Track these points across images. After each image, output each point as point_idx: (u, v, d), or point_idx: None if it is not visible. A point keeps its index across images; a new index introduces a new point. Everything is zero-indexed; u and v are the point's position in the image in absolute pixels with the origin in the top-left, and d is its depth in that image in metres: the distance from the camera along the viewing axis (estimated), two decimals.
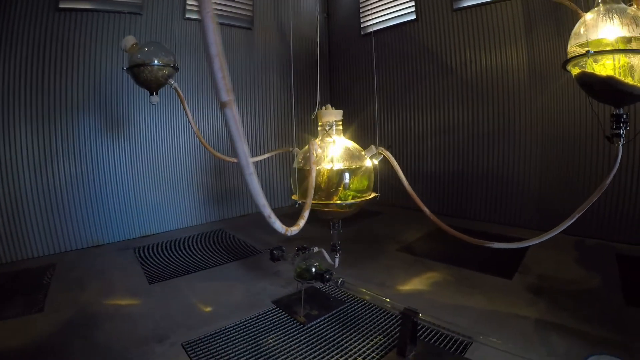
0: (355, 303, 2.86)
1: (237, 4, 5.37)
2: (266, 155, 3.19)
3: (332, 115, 2.74)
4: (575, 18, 2.27)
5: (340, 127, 2.83)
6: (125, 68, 2.73)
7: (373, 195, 2.85)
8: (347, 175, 2.69)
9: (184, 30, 4.87)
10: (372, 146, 2.81)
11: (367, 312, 2.71)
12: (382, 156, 2.88)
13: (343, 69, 6.70)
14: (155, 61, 2.71)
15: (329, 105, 2.78)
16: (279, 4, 5.99)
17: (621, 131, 2.19)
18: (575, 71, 2.12)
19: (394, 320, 2.56)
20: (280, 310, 2.78)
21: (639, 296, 2.69)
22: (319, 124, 2.82)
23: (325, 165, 2.69)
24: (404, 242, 4.13)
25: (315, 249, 3.05)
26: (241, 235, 4.53)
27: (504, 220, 4.68)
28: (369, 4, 6.11)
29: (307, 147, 2.93)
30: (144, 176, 4.58)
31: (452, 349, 2.18)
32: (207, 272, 3.46)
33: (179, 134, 4.89)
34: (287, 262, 3.05)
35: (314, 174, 2.42)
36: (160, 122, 4.73)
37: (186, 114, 2.96)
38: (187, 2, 4.86)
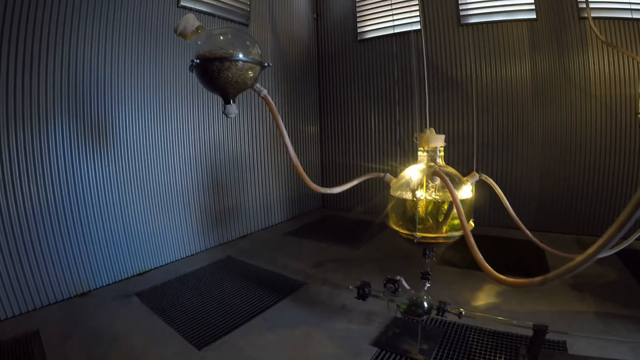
0: (451, 327, 2.62)
1: None
2: (355, 182, 2.60)
3: (439, 141, 2.40)
4: None
5: (442, 153, 2.51)
6: (194, 62, 1.80)
7: (472, 223, 2.61)
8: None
9: (179, 18, 3.96)
10: (475, 173, 2.57)
11: (471, 334, 2.51)
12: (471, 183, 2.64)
13: (335, 74, 6.29)
14: (241, 55, 1.85)
15: (432, 129, 2.42)
16: (275, 0, 5.36)
17: None
18: None
19: (502, 338, 2.46)
20: (389, 353, 2.35)
21: None
22: (420, 148, 2.45)
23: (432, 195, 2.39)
24: (435, 255, 3.93)
25: (397, 277, 2.69)
26: (259, 263, 3.80)
27: (507, 224, 4.84)
28: (367, 9, 5.82)
29: (403, 173, 2.54)
30: (133, 199, 3.54)
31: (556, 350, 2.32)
32: (261, 320, 2.71)
33: (172, 145, 3.92)
34: (381, 298, 2.58)
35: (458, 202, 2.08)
36: (150, 130, 3.72)
37: (280, 134, 2.08)
38: None
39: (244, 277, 3.46)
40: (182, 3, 4.02)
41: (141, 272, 3.55)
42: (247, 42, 1.96)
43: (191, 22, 1.89)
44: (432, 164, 2.44)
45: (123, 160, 3.52)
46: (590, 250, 1.22)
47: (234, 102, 1.98)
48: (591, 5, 4.38)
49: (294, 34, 5.79)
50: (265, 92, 2.03)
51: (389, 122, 5.79)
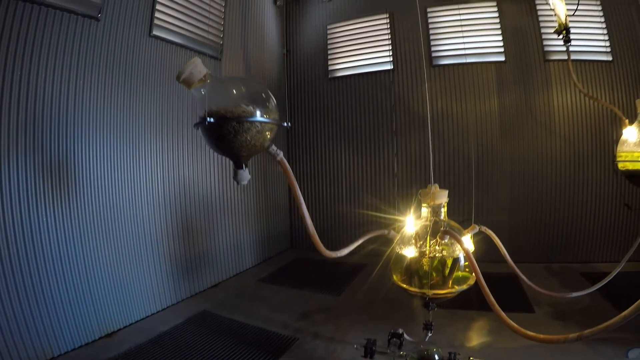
0: None
1: (208, 26, 4.67)
2: (360, 241, 2.68)
3: (443, 197, 2.61)
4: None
5: (445, 208, 2.72)
6: (208, 120, 1.57)
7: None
8: (462, 257, 2.62)
9: (150, 49, 3.93)
10: (475, 225, 2.82)
11: None
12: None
13: (304, 111, 6.51)
14: (259, 114, 1.67)
15: (436, 185, 2.63)
16: (248, 35, 5.51)
17: None
18: (625, 167, 3.06)
19: None
20: None
21: (622, 303, 3.58)
22: (424, 205, 2.65)
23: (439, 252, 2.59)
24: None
25: (400, 331, 2.84)
26: (240, 317, 3.72)
27: (479, 259, 5.28)
28: (338, 47, 6.20)
29: (405, 229, 2.69)
30: (97, 249, 3.35)
31: None
32: None
33: (140, 188, 3.82)
34: (388, 355, 2.68)
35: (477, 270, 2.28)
36: (116, 172, 3.59)
37: (297, 203, 1.95)
38: (155, 16, 3.96)
39: (227, 336, 3.38)
40: (155, 33, 4.00)
41: (110, 332, 3.34)
42: (263, 95, 1.78)
43: (199, 67, 1.68)
44: (437, 219, 2.66)
45: (86, 205, 3.34)
46: (625, 313, 1.47)
47: (246, 166, 1.80)
48: (552, 49, 5.13)
49: (264, 69, 5.96)
50: (281, 155, 1.90)
51: (359, 163, 6.09)
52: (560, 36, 3.59)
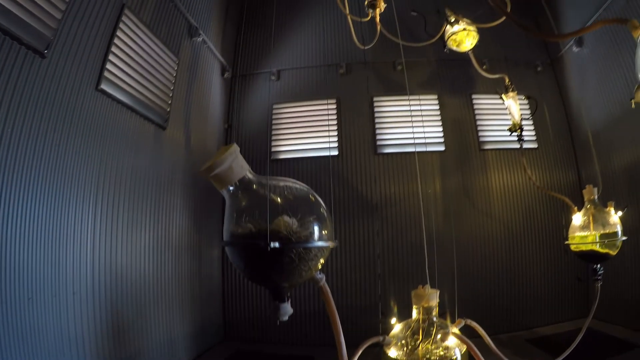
0: None
1: (158, 90, 4.51)
2: (360, 352, 2.56)
3: (435, 297, 2.70)
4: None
5: (437, 309, 2.83)
6: (271, 245, 1.23)
7: None
8: (458, 354, 2.70)
9: (94, 104, 3.59)
10: (462, 319, 2.96)
11: None
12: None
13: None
14: (317, 236, 1.38)
15: (427, 285, 2.74)
16: (192, 104, 5.41)
17: (598, 277, 3.43)
18: (578, 248, 3.48)
19: None
20: None
21: None
22: (415, 307, 2.73)
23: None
24: None
25: None
26: None
27: None
28: (284, 128, 6.33)
29: (397, 332, 2.71)
30: (10, 355, 2.74)
31: None
32: None
33: (65, 270, 3.24)
34: None
35: None
36: (35, 248, 2.99)
37: (335, 333, 1.68)
38: (106, 68, 3.67)
39: None
40: (102, 86, 3.67)
41: None
42: (313, 199, 1.51)
43: (241, 162, 1.45)
44: (430, 319, 2.73)
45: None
46: None
47: (288, 298, 1.48)
48: (485, 139, 5.99)
49: (206, 142, 5.84)
50: (324, 280, 1.62)
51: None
52: (515, 134, 4.16)
